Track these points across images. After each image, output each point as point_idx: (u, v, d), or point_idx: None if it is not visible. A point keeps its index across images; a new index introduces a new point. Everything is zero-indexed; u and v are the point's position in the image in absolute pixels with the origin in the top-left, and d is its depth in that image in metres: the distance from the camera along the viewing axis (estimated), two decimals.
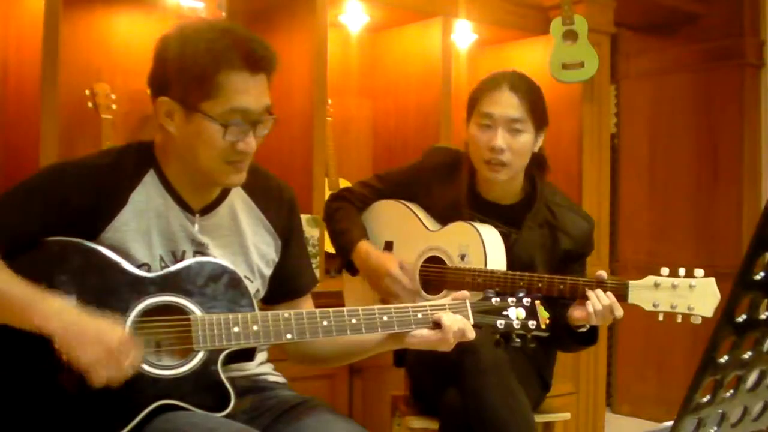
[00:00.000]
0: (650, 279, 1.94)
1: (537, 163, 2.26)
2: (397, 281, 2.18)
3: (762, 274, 0.89)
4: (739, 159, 4.18)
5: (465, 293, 1.70)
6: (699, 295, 1.89)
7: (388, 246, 2.33)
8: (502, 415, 1.90)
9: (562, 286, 2.01)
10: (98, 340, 1.40)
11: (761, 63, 4.20)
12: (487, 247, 2.12)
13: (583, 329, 2.07)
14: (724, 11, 4.23)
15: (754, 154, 4.19)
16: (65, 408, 1.46)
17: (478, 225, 2.17)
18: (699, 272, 1.91)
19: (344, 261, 2.32)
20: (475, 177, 2.25)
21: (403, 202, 2.33)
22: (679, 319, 1.93)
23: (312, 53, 2.98)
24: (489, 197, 2.24)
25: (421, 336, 1.62)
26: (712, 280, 1.90)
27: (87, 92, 2.82)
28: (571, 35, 3.41)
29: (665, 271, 1.93)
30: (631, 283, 1.96)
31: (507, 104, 2.13)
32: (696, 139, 4.34)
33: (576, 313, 2.01)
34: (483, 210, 2.23)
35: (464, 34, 3.60)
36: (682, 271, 1.92)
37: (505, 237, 2.17)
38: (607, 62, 3.69)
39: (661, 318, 1.94)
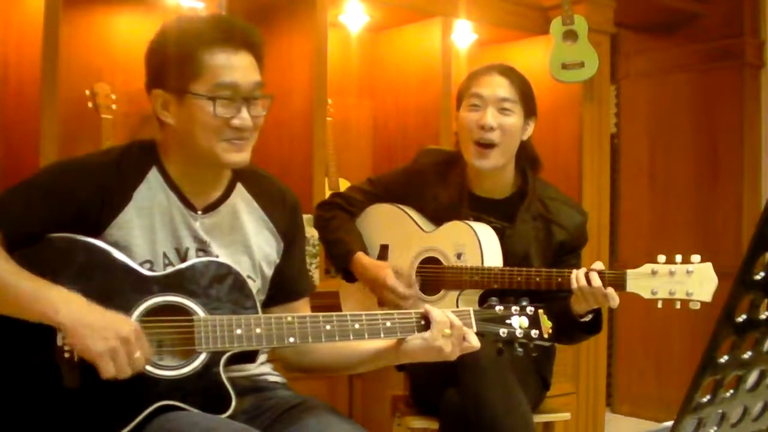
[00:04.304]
0: (647, 267, 1.94)
1: (529, 158, 2.27)
2: (394, 291, 2.17)
3: (762, 274, 0.89)
4: (739, 159, 4.18)
5: None
6: (697, 281, 1.88)
7: (384, 249, 2.32)
8: (501, 415, 1.90)
9: (560, 279, 2.02)
10: (108, 330, 1.39)
11: (761, 63, 4.20)
12: (483, 244, 2.12)
13: (586, 318, 2.07)
14: (724, 11, 4.23)
15: (754, 154, 4.19)
16: (66, 407, 1.46)
17: (473, 223, 2.17)
18: (696, 258, 1.90)
19: (341, 271, 2.32)
20: (466, 174, 2.26)
21: (396, 204, 2.33)
22: (678, 306, 1.91)
23: (312, 53, 2.98)
24: (481, 193, 2.25)
25: (414, 340, 1.61)
26: (709, 265, 1.89)
27: (87, 92, 2.82)
28: (571, 35, 3.41)
29: (662, 258, 1.92)
30: (629, 272, 1.96)
31: (497, 84, 2.18)
32: (696, 139, 4.34)
33: (576, 305, 2.03)
34: (476, 206, 2.23)
35: (464, 34, 3.60)
36: (678, 257, 1.91)
37: (499, 232, 2.18)
38: (607, 62, 3.69)
39: (660, 305, 1.93)
